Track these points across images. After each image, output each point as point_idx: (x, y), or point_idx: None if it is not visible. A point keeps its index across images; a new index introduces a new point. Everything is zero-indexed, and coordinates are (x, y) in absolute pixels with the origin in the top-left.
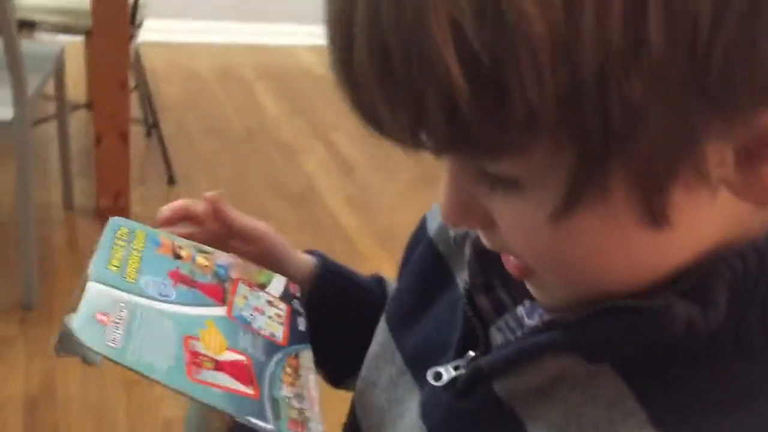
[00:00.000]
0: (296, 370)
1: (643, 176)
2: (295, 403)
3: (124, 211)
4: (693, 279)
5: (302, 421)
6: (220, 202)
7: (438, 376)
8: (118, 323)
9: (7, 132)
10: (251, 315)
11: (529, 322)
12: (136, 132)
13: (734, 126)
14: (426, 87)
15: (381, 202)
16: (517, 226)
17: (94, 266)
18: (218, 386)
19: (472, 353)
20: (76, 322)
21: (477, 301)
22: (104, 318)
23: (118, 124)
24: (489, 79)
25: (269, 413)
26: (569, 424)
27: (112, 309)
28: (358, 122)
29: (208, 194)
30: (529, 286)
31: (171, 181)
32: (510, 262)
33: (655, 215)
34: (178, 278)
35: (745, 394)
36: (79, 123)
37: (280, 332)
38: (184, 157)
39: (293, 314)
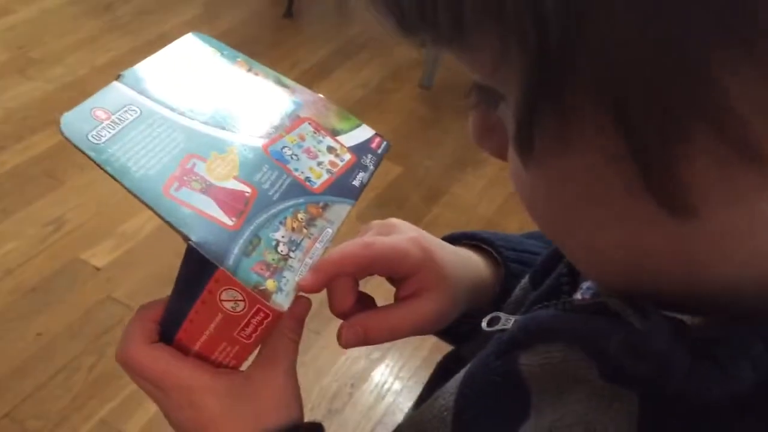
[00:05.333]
0: (313, 219)
1: (619, 117)
2: (283, 248)
3: None
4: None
5: (278, 268)
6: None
7: (494, 321)
8: (116, 123)
9: None
10: (294, 155)
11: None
12: None
13: None
14: None
15: None
16: (511, 164)
17: (130, 71)
18: (191, 207)
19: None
20: (69, 112)
21: None
22: (103, 114)
23: None
24: None
25: (236, 248)
26: None
27: (120, 109)
28: None
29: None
30: None
31: None
32: None
33: (652, 182)
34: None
35: None
36: None
37: (320, 180)
38: None
39: (355, 167)
